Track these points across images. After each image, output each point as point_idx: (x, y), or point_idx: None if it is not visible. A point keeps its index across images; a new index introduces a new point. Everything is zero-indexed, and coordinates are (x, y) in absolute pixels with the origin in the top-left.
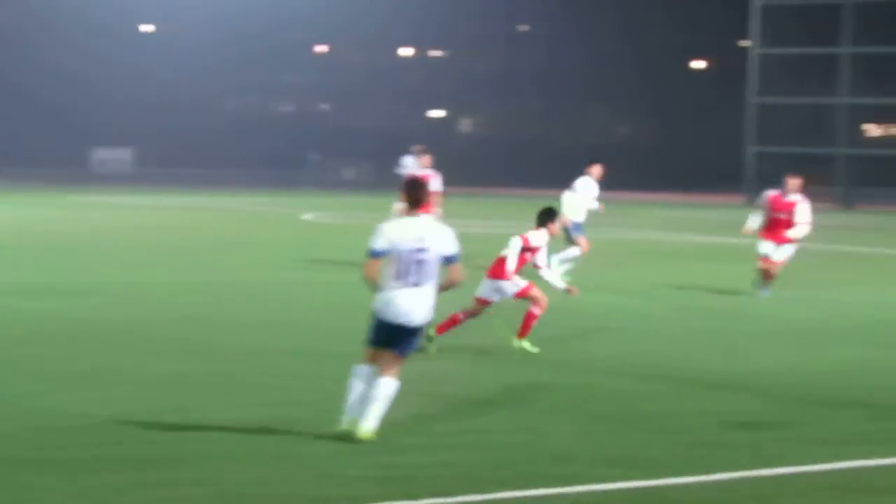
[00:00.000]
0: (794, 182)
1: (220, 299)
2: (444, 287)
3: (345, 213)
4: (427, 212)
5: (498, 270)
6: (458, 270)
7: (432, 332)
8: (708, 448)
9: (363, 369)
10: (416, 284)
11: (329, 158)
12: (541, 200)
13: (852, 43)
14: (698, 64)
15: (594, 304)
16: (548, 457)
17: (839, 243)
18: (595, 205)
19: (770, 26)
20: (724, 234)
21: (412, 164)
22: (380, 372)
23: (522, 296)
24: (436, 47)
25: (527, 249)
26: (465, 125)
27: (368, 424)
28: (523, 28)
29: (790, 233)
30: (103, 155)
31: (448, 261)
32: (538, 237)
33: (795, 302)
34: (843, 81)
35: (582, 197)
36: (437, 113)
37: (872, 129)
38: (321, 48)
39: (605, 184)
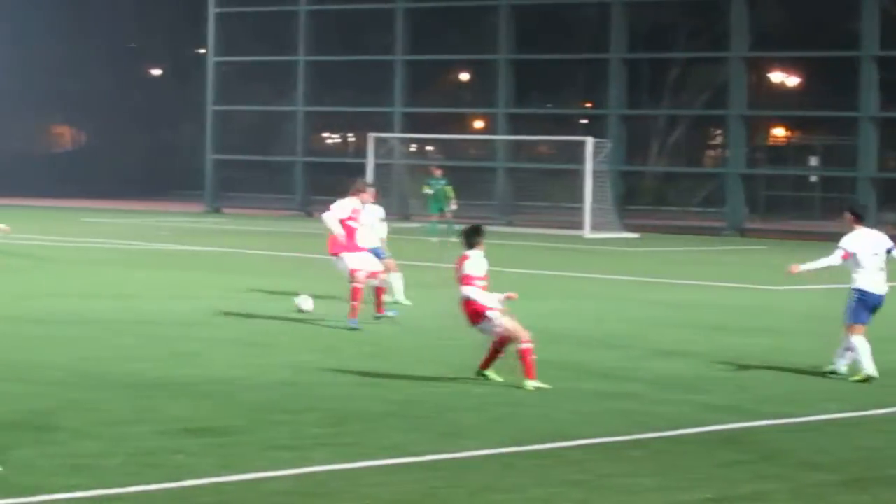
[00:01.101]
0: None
1: None
2: None
3: None
4: None
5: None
6: None
7: None
8: (165, 455)
9: None
10: None
11: None
12: None
13: (305, 52)
14: (155, 70)
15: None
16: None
17: (303, 252)
18: None
19: (226, 34)
20: (186, 242)
21: None
22: None
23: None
24: None
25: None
26: None
27: None
28: None
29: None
30: None
31: None
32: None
33: (251, 307)
34: (298, 89)
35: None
36: None
37: (328, 137)
38: None
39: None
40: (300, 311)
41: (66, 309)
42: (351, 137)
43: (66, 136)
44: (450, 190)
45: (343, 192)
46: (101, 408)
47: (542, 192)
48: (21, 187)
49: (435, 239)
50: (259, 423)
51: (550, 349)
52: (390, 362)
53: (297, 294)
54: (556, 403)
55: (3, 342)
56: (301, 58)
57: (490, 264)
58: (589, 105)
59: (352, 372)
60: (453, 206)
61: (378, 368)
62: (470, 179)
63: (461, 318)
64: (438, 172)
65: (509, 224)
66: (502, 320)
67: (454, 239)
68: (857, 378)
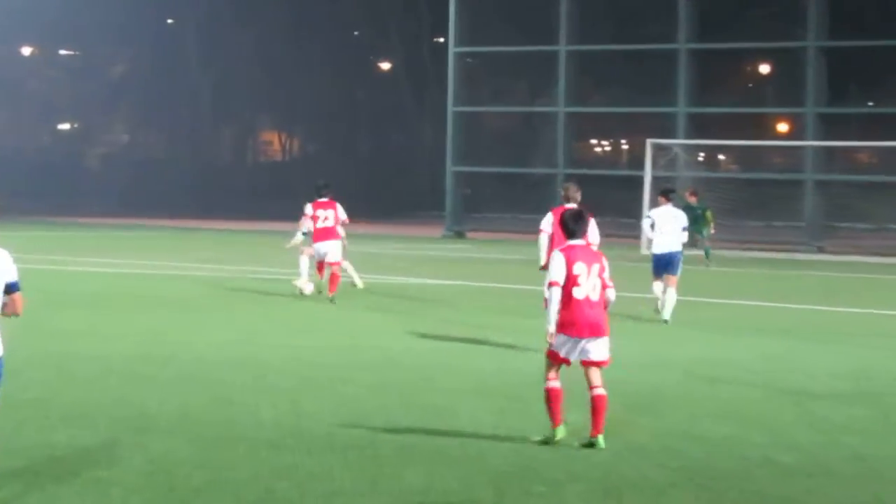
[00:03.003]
0: None
1: None
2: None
3: None
4: None
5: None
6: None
7: None
8: None
9: None
10: None
11: None
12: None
13: (567, 41)
14: (384, 64)
15: None
16: None
17: None
18: None
19: (469, 19)
20: (422, 274)
21: None
22: None
23: None
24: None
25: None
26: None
27: None
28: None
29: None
30: None
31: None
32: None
33: None
34: (559, 86)
35: None
36: (67, 126)
37: (596, 145)
38: None
39: None
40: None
41: (273, 354)
42: (624, 144)
43: (274, 144)
44: (710, 215)
45: (614, 210)
46: (321, 475)
47: (862, 211)
48: (224, 206)
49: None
50: (511, 496)
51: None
52: (660, 418)
53: None
54: None
55: (199, 391)
56: (562, 47)
57: (796, 298)
58: None
59: (616, 431)
60: (712, 231)
61: (647, 425)
62: (771, 195)
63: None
64: (693, 199)
65: (820, 250)
66: None
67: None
68: None
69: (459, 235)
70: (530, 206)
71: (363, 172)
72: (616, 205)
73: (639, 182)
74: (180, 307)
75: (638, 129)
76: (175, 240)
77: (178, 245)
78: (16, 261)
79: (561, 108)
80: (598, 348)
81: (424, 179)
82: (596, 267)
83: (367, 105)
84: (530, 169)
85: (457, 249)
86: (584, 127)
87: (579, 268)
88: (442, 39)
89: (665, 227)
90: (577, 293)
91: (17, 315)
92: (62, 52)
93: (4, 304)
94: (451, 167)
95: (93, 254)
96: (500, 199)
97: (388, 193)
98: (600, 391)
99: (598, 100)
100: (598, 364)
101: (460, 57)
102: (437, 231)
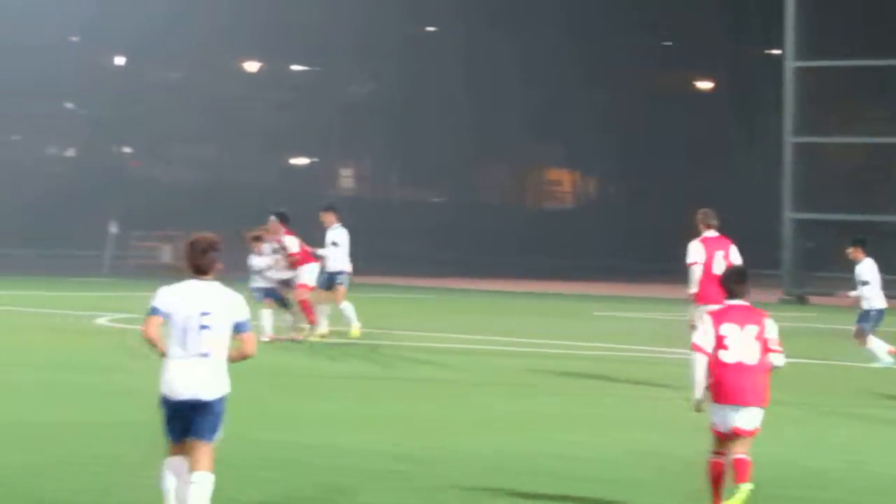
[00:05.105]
0: None
1: None
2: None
3: None
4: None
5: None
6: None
7: None
8: None
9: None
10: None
11: (135, 230)
12: None
13: None
14: (702, 83)
15: None
16: None
17: None
18: None
19: (809, 25)
20: None
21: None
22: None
23: None
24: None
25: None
26: (347, 178)
27: None
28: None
29: None
30: None
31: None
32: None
33: None
34: None
35: None
36: (300, 160)
37: None
38: (118, 61)
39: None
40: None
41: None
42: None
43: (564, 184)
44: None
45: None
46: None
47: None
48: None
49: None
50: None
51: None
52: None
53: None
54: None
55: None
56: None
57: None
58: None
59: None
60: None
61: None
62: None
63: None
64: None
65: None
66: None
67: None
68: None
69: (801, 301)
70: (891, 265)
71: (669, 216)
72: None
73: None
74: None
75: None
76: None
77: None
78: None
79: None
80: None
81: (753, 229)
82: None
83: (678, 135)
84: (889, 216)
85: (799, 318)
86: None
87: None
88: (776, 51)
89: None
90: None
91: (249, 356)
92: (294, 67)
93: (234, 347)
94: (789, 214)
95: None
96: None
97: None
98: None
99: None
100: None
101: (800, 73)
102: (773, 295)
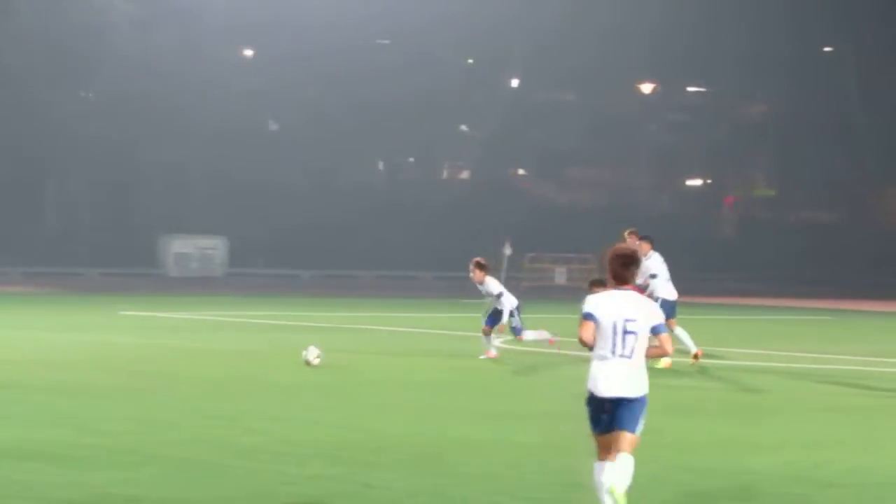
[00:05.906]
0: None
1: None
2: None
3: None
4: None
5: None
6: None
7: None
8: None
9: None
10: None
11: (529, 252)
12: None
13: None
14: None
15: None
16: None
17: None
18: None
19: None
20: None
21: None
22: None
23: None
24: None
25: None
26: (737, 200)
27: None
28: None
29: None
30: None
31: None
32: None
33: None
34: None
35: None
36: (695, 182)
37: None
38: (512, 82)
39: None
40: (307, 362)
41: None
42: None
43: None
44: None
45: None
46: None
47: None
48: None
49: None
50: None
51: None
52: None
53: None
54: None
55: None
56: None
57: None
58: None
59: None
60: None
61: None
62: None
63: None
64: None
65: None
66: None
67: None
68: None
69: None
70: None
71: None
72: None
73: None
74: None
75: None
76: None
77: None
78: None
79: None
80: None
81: None
82: None
83: None
84: None
85: None
86: None
87: None
88: None
89: None
90: None
91: (666, 354)
92: (690, 88)
93: (651, 347)
94: None
95: None
96: None
97: None
98: None
99: None
100: None
101: None
102: None
